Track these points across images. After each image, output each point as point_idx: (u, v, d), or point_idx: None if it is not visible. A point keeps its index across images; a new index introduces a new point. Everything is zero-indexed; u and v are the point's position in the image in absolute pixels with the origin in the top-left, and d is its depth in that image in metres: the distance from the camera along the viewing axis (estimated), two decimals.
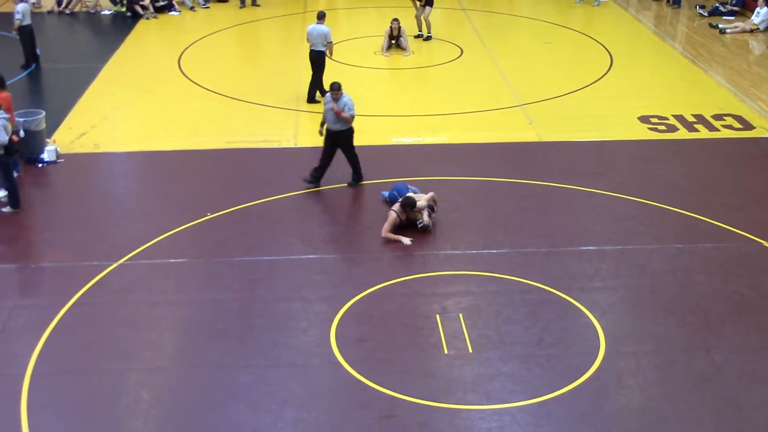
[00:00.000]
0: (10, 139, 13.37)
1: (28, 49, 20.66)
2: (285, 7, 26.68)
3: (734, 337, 10.69)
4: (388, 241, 12.73)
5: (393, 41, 22.15)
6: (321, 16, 18.14)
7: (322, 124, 14.40)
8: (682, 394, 9.69)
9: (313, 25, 18.11)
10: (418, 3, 23.12)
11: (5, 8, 26.02)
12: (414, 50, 22.18)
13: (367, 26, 24.40)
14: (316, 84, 18.39)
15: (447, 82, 20.16)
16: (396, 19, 22.05)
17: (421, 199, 13.04)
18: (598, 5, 27.06)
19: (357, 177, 14.56)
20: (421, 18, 22.96)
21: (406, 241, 12.72)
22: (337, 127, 14.11)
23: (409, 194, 13.00)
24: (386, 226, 12.81)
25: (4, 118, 13.38)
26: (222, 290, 11.69)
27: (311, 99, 18.35)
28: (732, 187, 14.68)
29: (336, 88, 14.08)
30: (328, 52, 18.04)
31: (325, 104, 14.25)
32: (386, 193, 13.81)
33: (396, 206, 12.91)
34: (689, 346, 10.54)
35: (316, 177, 14.39)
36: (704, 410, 9.47)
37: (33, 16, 21.05)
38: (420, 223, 12.88)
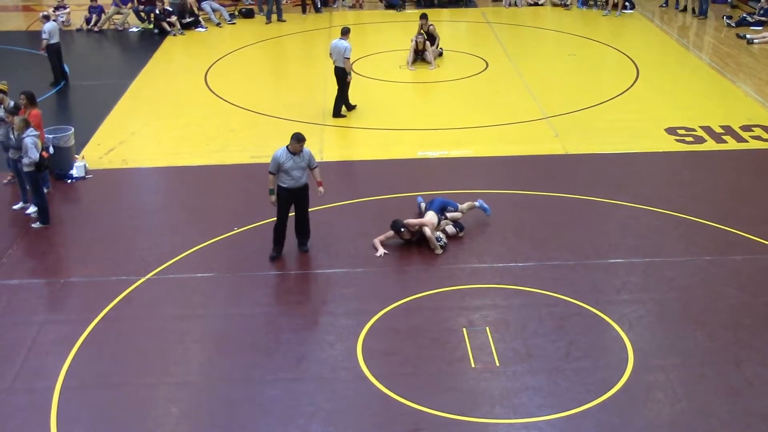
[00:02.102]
0: (40, 156, 13.53)
1: (56, 67, 20.91)
2: (311, 23, 26.83)
3: (765, 350, 10.57)
4: (375, 248, 12.95)
5: (418, 55, 22.18)
6: (345, 32, 18.20)
7: (272, 192, 12.52)
8: (712, 409, 9.59)
9: (335, 41, 18.18)
10: (423, 35, 22.28)
11: (35, 27, 26.35)
12: (438, 64, 22.20)
13: (393, 41, 24.45)
14: (341, 99, 18.45)
15: (472, 95, 20.15)
16: (421, 33, 22.09)
17: (426, 225, 12.99)
18: (619, 15, 26.98)
19: (306, 241, 13.00)
20: (427, 47, 22.48)
21: (379, 252, 12.84)
22: (303, 181, 12.55)
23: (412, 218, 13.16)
24: (380, 237, 13.03)
25: (34, 135, 13.53)
26: (249, 304, 11.73)
27: (337, 114, 18.41)
28: (761, 198, 14.55)
29: (301, 139, 12.40)
30: (346, 68, 18.05)
31: (283, 162, 12.32)
32: (420, 199, 13.98)
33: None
34: (719, 359, 10.43)
35: (280, 249, 12.82)
36: (735, 425, 9.36)
37: (62, 33, 21.31)
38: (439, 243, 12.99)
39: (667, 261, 12.59)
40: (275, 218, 12.71)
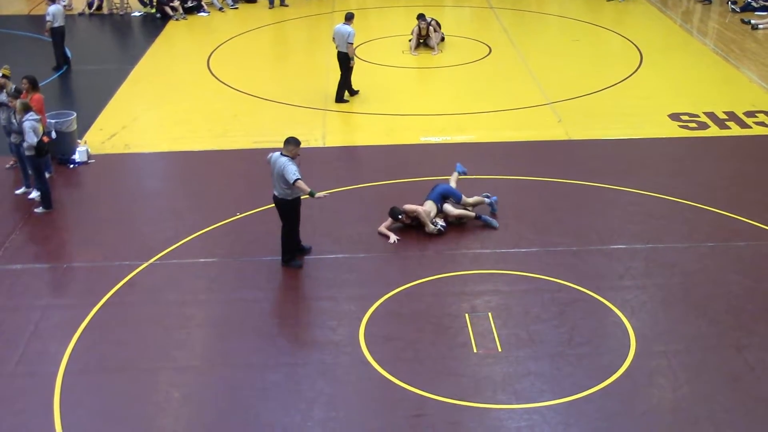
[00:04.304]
0: (41, 140, 13.51)
1: (59, 51, 20.86)
2: (313, 7, 26.73)
3: (767, 335, 10.57)
4: (381, 235, 12.94)
5: (421, 40, 22.11)
6: (348, 17, 18.11)
7: (313, 192, 11.63)
8: (713, 394, 9.61)
9: (338, 26, 18.11)
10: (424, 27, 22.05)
11: (37, 11, 26.29)
12: (441, 49, 22.13)
13: (396, 25, 24.37)
14: (344, 84, 18.41)
15: (475, 80, 20.10)
16: (424, 19, 21.95)
17: (419, 211, 12.96)
18: (623, 1, 26.85)
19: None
20: (430, 33, 22.25)
21: (392, 239, 12.82)
22: None
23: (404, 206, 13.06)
24: (384, 224, 13.03)
25: (34, 119, 13.49)
26: (251, 289, 11.73)
27: (339, 99, 18.37)
28: (764, 184, 14.52)
29: (300, 143, 11.83)
30: (349, 53, 17.99)
31: (297, 169, 11.61)
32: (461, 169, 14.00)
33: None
34: (721, 345, 10.44)
35: (302, 248, 12.48)
36: (736, 410, 9.37)
37: (64, 18, 21.19)
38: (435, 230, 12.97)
39: (670, 247, 12.58)
40: (283, 226, 12.15)
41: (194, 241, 12.92)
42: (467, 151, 16.05)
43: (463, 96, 19.03)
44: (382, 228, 13.01)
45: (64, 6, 25.57)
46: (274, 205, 12.15)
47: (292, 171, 11.51)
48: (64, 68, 20.88)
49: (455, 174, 13.81)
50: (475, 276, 11.97)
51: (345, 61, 18.12)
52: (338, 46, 18.06)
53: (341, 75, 18.34)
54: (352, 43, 17.91)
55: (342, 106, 18.30)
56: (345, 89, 18.45)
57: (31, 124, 13.39)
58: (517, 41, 22.96)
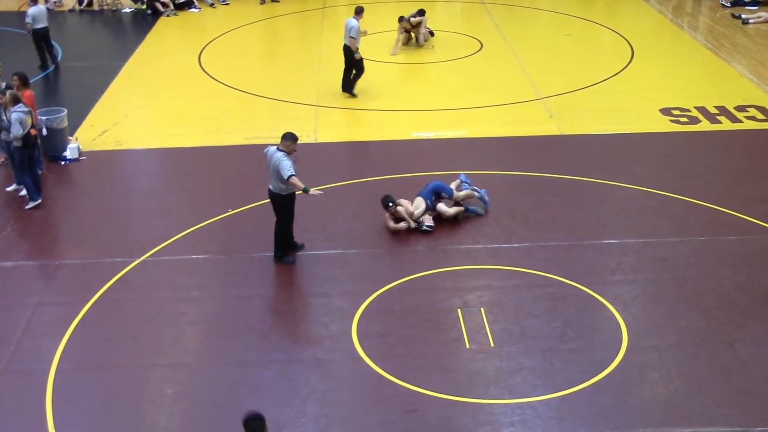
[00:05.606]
0: (28, 133, 13.40)
1: (41, 52, 20.52)
2: (305, 3, 26.67)
3: (758, 330, 10.61)
4: (395, 232, 12.87)
5: (412, 34, 21.99)
6: (357, 11, 18.19)
7: (307, 188, 11.57)
8: (705, 388, 9.64)
9: (348, 19, 18.17)
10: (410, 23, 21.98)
11: (27, 7, 26.11)
12: (433, 44, 22.11)
13: (387, 20, 24.29)
14: (347, 75, 18.43)
15: (467, 75, 20.09)
16: (406, 19, 21.75)
17: (412, 206, 12.98)
18: None
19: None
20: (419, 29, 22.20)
21: (402, 226, 12.89)
22: None
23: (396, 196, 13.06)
24: (389, 224, 12.97)
25: (22, 111, 13.37)
26: (244, 286, 11.73)
27: (346, 88, 18.41)
28: (755, 179, 14.55)
29: (297, 138, 11.72)
30: (351, 46, 17.96)
31: (292, 163, 11.53)
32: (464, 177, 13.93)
33: None
34: (713, 339, 10.47)
35: (294, 244, 12.44)
36: (728, 404, 9.40)
37: (55, 15, 21.04)
38: (422, 227, 12.94)
39: (662, 241, 12.61)
40: (277, 222, 12.14)
41: (186, 238, 12.90)
42: (459, 146, 16.07)
43: (454, 91, 19.02)
44: (393, 225, 12.92)
45: (54, 2, 25.52)
46: (268, 199, 12.14)
47: (287, 167, 11.47)
48: (51, 68, 20.67)
49: (457, 181, 13.75)
50: (467, 271, 11.99)
51: (349, 54, 18.14)
52: (345, 39, 18.09)
53: (345, 67, 18.32)
54: (353, 38, 17.89)
55: (334, 101, 18.28)
56: (349, 79, 18.40)
57: (18, 115, 13.29)
58: (508, 36, 22.96)
